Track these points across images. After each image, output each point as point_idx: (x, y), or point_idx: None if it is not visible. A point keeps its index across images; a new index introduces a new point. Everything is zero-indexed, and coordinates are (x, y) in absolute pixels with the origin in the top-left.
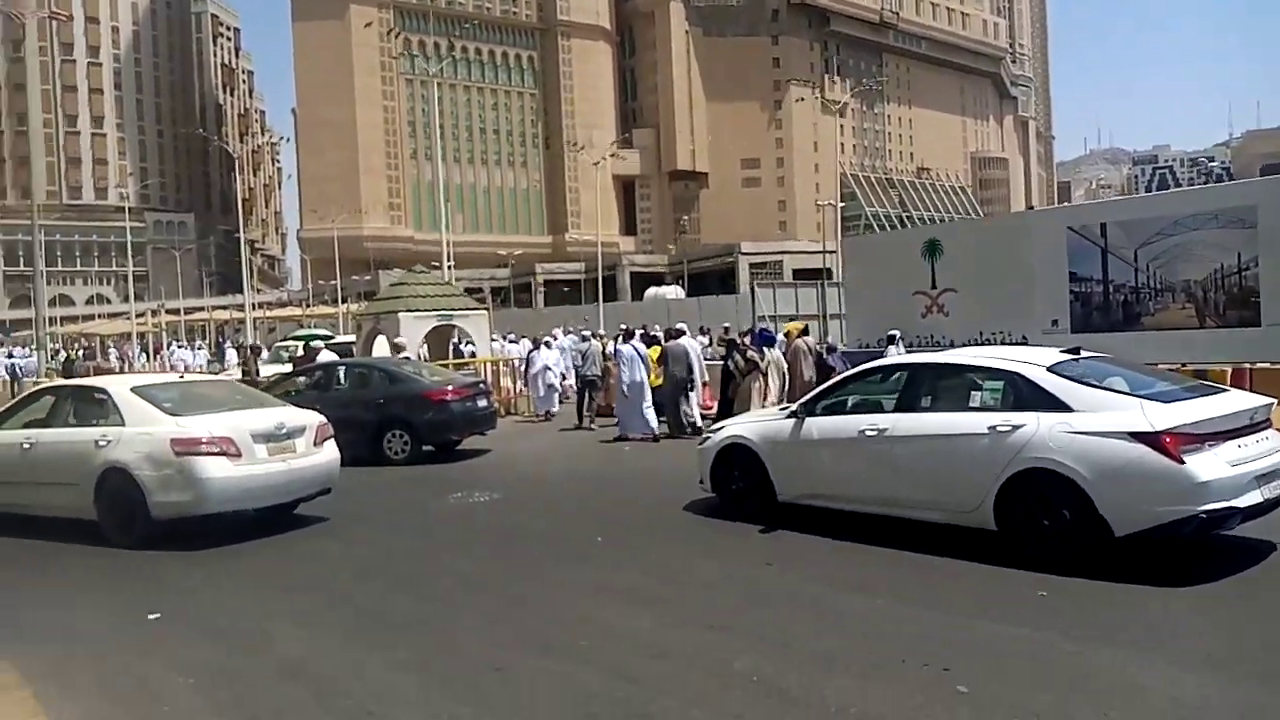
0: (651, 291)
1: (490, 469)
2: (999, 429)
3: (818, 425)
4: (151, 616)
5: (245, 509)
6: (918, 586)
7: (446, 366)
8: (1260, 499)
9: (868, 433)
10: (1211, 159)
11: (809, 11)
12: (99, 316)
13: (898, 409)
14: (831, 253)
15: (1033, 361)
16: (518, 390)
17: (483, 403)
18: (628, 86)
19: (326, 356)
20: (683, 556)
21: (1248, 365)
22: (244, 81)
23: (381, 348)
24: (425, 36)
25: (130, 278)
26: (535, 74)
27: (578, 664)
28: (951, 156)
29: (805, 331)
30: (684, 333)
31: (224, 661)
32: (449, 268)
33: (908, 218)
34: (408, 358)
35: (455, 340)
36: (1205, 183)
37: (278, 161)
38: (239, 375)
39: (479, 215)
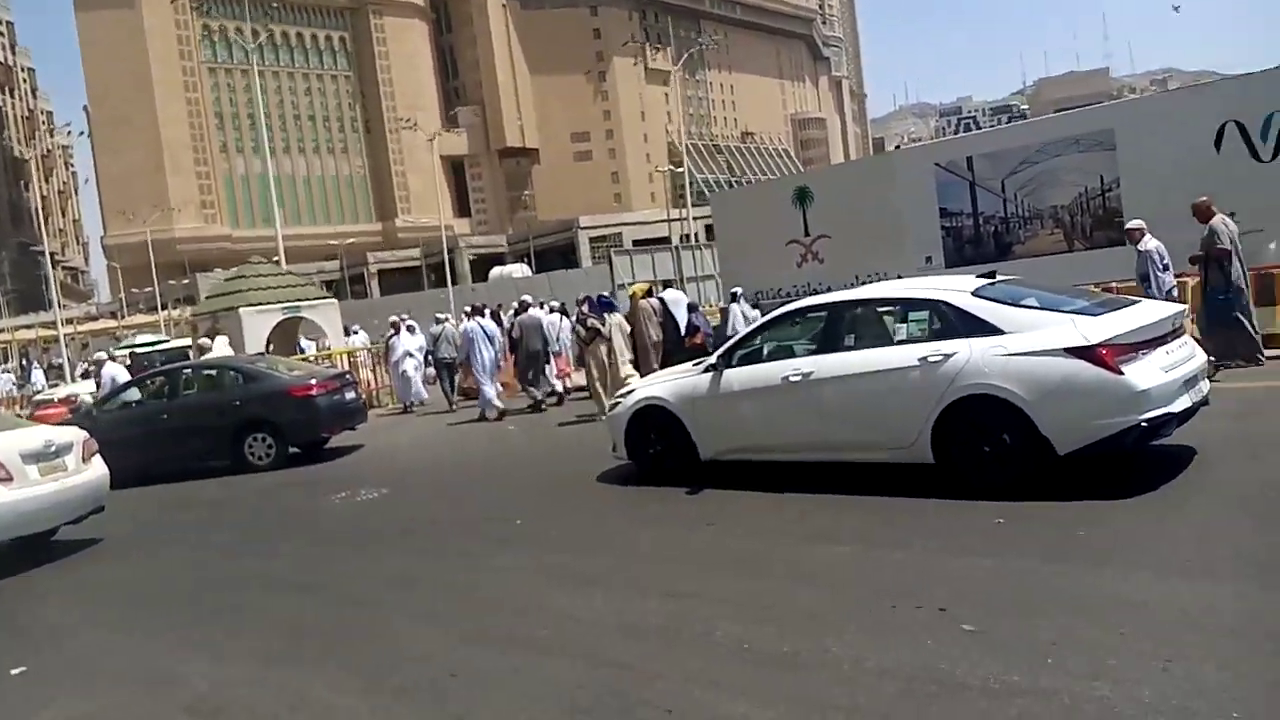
0: (497, 271)
1: (368, 464)
2: (930, 359)
3: (737, 377)
4: (16, 671)
5: (21, 535)
6: (875, 529)
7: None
8: (1190, 403)
9: (791, 378)
10: (1010, 107)
11: None
12: None
13: (820, 351)
14: (674, 221)
15: (955, 288)
16: (378, 382)
17: (350, 395)
18: (448, 65)
19: (113, 372)
20: (615, 528)
21: (1114, 283)
22: (24, 80)
23: (220, 349)
24: (226, 21)
25: None
26: (349, 56)
27: (545, 655)
28: (773, 119)
29: (649, 293)
30: (531, 305)
31: (126, 712)
32: (276, 261)
33: (737, 181)
34: (261, 355)
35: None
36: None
37: (71, 166)
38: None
39: (301, 206)
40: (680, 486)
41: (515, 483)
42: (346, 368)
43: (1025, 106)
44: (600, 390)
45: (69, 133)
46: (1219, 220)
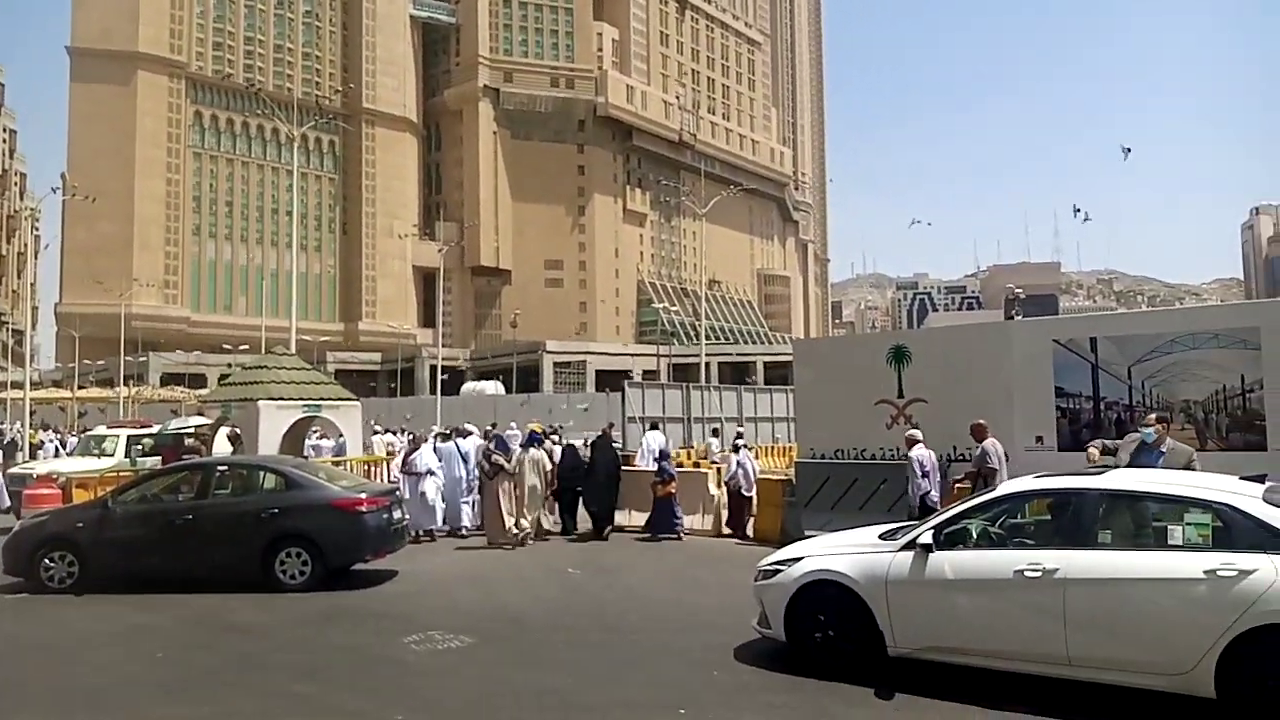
0: (469, 386)
1: (418, 598)
2: (1221, 574)
3: (951, 562)
4: None
5: None
6: None
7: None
8: None
9: (1027, 574)
10: (964, 288)
11: (613, 125)
12: None
13: (1061, 544)
14: (637, 355)
15: (1239, 491)
16: None
17: (398, 514)
18: (432, 180)
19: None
20: None
21: None
22: (4, 141)
23: (224, 443)
24: (219, 110)
25: None
26: (335, 159)
27: None
28: (739, 271)
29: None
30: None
31: None
32: (243, 350)
33: (693, 325)
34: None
35: (309, 435)
36: (960, 309)
37: (37, 230)
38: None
39: (265, 298)
40: (854, 683)
41: (630, 648)
42: (395, 482)
43: (979, 290)
44: (499, 523)
45: (30, 200)
46: (991, 442)
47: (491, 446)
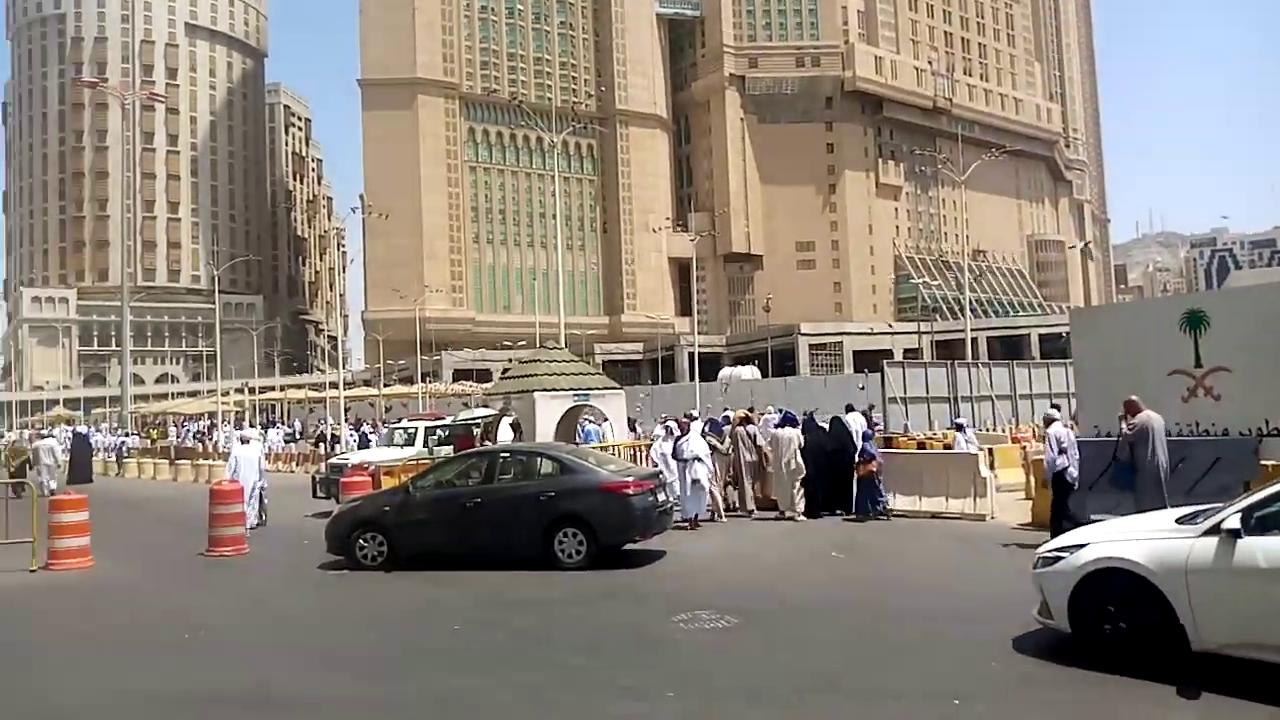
0: (726, 372)
1: (686, 578)
2: None
3: (1265, 549)
4: None
5: None
6: None
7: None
8: None
9: None
10: (1273, 241)
11: (862, 99)
12: (172, 395)
13: None
14: (897, 334)
15: None
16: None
17: (663, 497)
18: (683, 173)
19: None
20: None
21: None
22: (313, 169)
23: (506, 432)
24: (489, 125)
25: (204, 357)
26: (594, 161)
27: None
28: (1007, 239)
29: (746, 420)
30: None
31: None
32: (521, 346)
33: (956, 299)
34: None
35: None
36: (1269, 264)
37: (343, 246)
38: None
39: (538, 297)
40: (1147, 679)
41: (900, 634)
42: (658, 466)
43: None
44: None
45: (355, 212)
46: (1146, 415)
47: (705, 429)
